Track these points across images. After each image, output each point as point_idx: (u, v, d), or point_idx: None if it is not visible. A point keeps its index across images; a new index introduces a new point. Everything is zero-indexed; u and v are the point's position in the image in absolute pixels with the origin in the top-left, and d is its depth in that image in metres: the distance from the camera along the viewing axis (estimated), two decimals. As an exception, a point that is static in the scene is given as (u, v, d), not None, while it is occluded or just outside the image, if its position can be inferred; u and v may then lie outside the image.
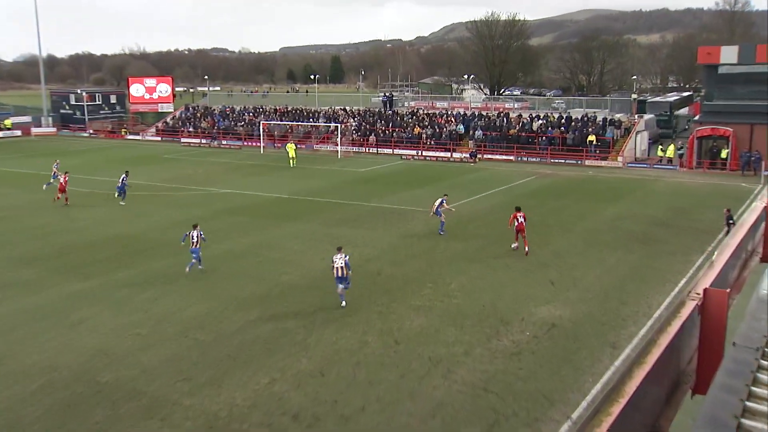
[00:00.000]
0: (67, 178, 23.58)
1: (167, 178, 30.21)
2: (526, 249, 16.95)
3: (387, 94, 51.29)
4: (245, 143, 46.25)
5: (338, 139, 41.44)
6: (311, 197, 25.83)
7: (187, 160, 33.69)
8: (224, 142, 47.04)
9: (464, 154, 39.05)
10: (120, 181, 24.58)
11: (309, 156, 40.32)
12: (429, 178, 29.00)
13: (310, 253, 17.15)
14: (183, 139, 48.79)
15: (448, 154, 39.28)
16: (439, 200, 19.64)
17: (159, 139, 50.77)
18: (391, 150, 41.75)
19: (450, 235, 19.20)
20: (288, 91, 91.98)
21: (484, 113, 43.56)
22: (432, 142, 41.02)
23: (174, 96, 58.86)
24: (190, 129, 50.18)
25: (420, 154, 40.51)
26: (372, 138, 42.67)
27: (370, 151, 42.24)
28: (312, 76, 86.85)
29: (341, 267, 13.11)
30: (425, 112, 46.26)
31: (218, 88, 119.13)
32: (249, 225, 20.49)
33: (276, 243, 18.23)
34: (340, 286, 13.09)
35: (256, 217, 21.80)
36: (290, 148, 36.10)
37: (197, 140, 47.95)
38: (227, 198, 25.53)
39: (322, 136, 44.27)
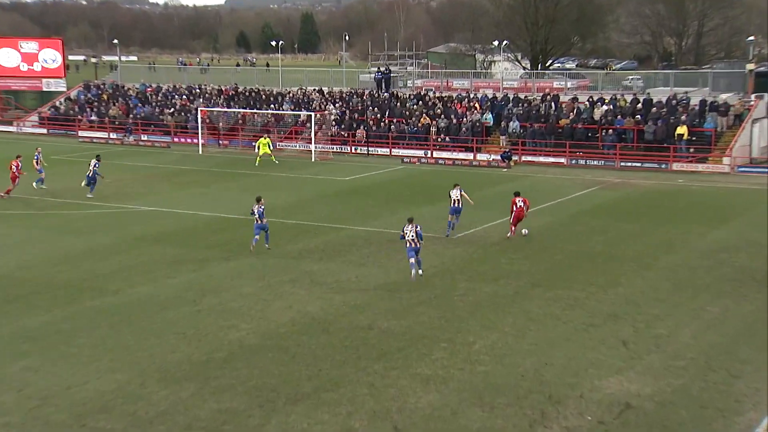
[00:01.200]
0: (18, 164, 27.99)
1: (58, 191, 30.43)
2: (510, 232, 21.56)
3: (382, 69, 52.06)
4: (175, 139, 46.80)
5: (312, 135, 41.85)
6: (272, 218, 26.13)
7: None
8: (144, 137, 47.56)
9: (493, 156, 39.67)
10: (90, 168, 28.15)
11: (267, 158, 40.82)
12: (442, 191, 29.20)
13: (268, 299, 17.32)
14: (81, 133, 49.25)
15: (470, 156, 39.85)
16: (456, 191, 22.91)
17: (44, 131, 51.20)
18: (387, 150, 42.31)
19: (473, 272, 19.43)
20: (238, 65, 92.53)
21: (522, 96, 44.36)
22: (447, 139, 41.68)
23: (67, 68, 58.45)
24: (92, 117, 50.63)
25: (430, 155, 41.11)
26: (360, 132, 43.25)
27: (358, 151, 42.82)
28: (273, 43, 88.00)
29: (413, 240, 18.53)
30: (437, 94, 47.05)
31: (134, 58, 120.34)
32: (181, 258, 20.78)
33: (220, 284, 18.44)
34: (412, 259, 18.68)
35: (192, 247, 22.10)
36: (263, 144, 37.80)
37: (103, 134, 48.46)
38: (149, 219, 25.85)
39: (287, 130, 44.82)
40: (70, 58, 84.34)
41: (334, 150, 42.44)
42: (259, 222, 21.43)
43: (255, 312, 16.50)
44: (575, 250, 21.80)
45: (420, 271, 18.99)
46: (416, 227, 18.70)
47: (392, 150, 42.03)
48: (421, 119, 42.76)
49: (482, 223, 25.31)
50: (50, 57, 55.85)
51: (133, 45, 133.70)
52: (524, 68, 65.15)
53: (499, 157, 38.95)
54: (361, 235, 23.69)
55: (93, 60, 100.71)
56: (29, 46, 55.85)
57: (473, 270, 19.78)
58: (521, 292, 17.91)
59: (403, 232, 18.89)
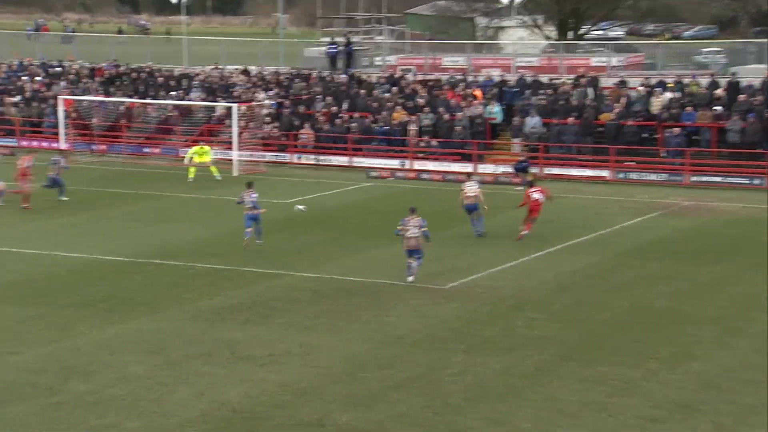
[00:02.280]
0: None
1: None
2: (522, 233, 25.03)
3: (338, 40, 52.52)
4: (24, 143, 46.59)
5: (233, 137, 42.00)
6: (172, 260, 26.14)
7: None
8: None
9: (503, 167, 39.95)
10: (54, 168, 32.42)
11: (167, 171, 40.60)
12: (429, 219, 29.47)
13: (168, 383, 17.21)
14: None
15: (469, 167, 40.14)
16: (474, 185, 26.88)
17: None
18: (346, 158, 42.49)
19: (475, 340, 19.53)
20: (121, 31, 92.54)
21: (545, 79, 44.95)
22: (434, 143, 42.04)
23: None
24: None
25: (409, 166, 41.35)
26: (306, 133, 43.44)
27: (303, 160, 42.97)
28: (175, 0, 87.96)
29: (416, 237, 23.03)
30: (419, 77, 47.46)
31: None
32: (34, 323, 20.63)
33: (93, 361, 18.29)
34: (414, 264, 23.44)
35: (51, 305, 21.99)
36: (200, 153, 38.99)
37: None
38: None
39: (196, 131, 44.87)
40: None
41: (267, 159, 42.49)
42: (252, 212, 26.43)
43: (146, 403, 16.36)
44: (626, 307, 21.97)
45: (410, 278, 23.37)
46: (422, 223, 23.07)
47: (353, 159, 42.25)
48: (396, 114, 43.09)
49: (488, 265, 25.43)
50: None
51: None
52: (548, 38, 66.06)
53: (511, 169, 39.30)
54: (308, 285, 23.76)
55: None
56: None
57: (474, 336, 19.83)
58: (546, 370, 17.96)
59: (400, 226, 22.32)
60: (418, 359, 18.51)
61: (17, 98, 48.84)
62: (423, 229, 23.50)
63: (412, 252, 23.60)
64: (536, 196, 27.61)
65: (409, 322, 20.82)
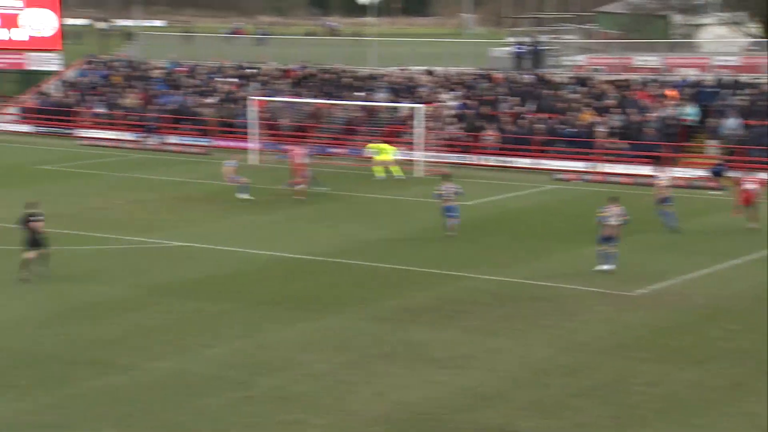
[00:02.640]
0: None
1: (47, 217, 31.93)
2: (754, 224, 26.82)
3: (525, 40, 52.15)
4: (218, 142, 48.26)
5: (418, 138, 42.41)
6: (357, 260, 26.60)
7: (91, 176, 35.53)
8: (173, 139, 49.34)
9: (698, 171, 38.73)
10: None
11: (352, 172, 41.30)
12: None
13: (352, 382, 17.50)
14: (82, 132, 51.26)
15: (661, 172, 38.98)
16: (666, 177, 29.09)
17: (28, 129, 53.68)
18: (531, 160, 42.30)
19: (665, 350, 19.00)
20: (311, 33, 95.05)
21: (745, 79, 43.44)
22: (623, 145, 41.25)
23: (64, 37, 60.09)
24: (98, 110, 52.85)
25: (595, 168, 40.67)
26: (491, 135, 43.40)
27: (487, 162, 42.95)
28: (364, 1, 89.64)
29: (615, 225, 24.50)
30: (609, 77, 46.58)
31: (161, 23, 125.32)
32: (224, 319, 21.33)
33: (280, 358, 18.77)
34: (613, 251, 24.74)
35: (239, 302, 22.69)
36: (383, 152, 39.76)
37: (113, 134, 50.51)
38: (177, 260, 26.71)
39: (381, 131, 45.58)
40: (68, 22, 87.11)
41: (450, 160, 42.65)
42: (448, 204, 28.68)
43: (331, 401, 16.65)
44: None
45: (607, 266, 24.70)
46: (623, 212, 24.80)
47: (538, 161, 41.96)
48: (583, 114, 42.44)
49: (678, 272, 24.78)
50: (40, 20, 57.81)
51: (159, 4, 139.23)
52: (750, 36, 63.57)
53: (708, 173, 38.11)
54: (491, 288, 23.73)
55: (101, 25, 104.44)
56: (10, 3, 57.74)
57: (664, 345, 19.38)
58: (744, 384, 17.37)
59: (600, 214, 24.80)
60: (604, 367, 18.19)
61: (213, 99, 50.68)
62: (625, 217, 24.91)
63: (609, 239, 24.64)
64: (748, 186, 28.44)
65: (594, 329, 20.47)
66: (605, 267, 24.60)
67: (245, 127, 46.30)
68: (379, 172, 39.34)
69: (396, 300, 22.69)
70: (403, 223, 31.35)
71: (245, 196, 34.66)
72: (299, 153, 36.30)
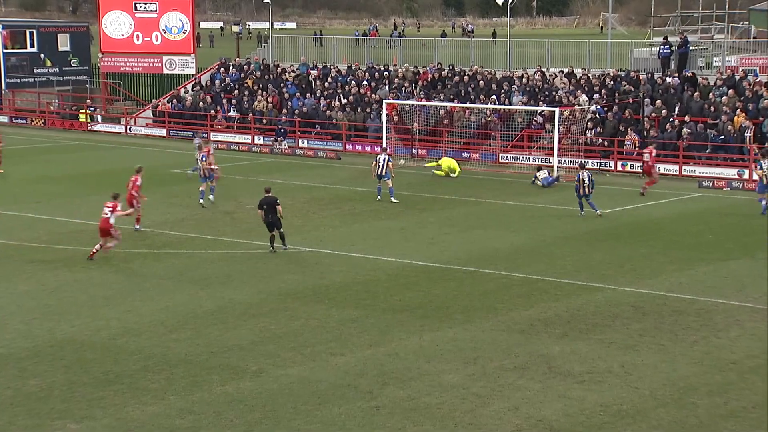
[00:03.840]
0: None
1: (178, 220, 32.86)
2: None
3: (672, 39, 50.92)
4: (349, 146, 49.03)
5: (554, 142, 42.13)
6: (487, 268, 26.62)
7: (222, 180, 36.33)
8: (304, 143, 50.25)
9: None
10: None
11: (486, 177, 41.19)
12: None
13: (482, 395, 17.52)
14: (215, 135, 52.24)
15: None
16: None
17: (162, 133, 55.57)
18: (676, 167, 41.60)
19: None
20: (445, 34, 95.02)
21: None
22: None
23: (197, 40, 63.09)
24: (230, 113, 54.29)
25: (748, 176, 39.54)
26: (631, 139, 42.70)
27: (627, 167, 42.36)
28: (500, 1, 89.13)
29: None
30: (762, 79, 45.16)
31: (293, 25, 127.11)
32: (353, 326, 21.62)
33: (409, 368, 18.92)
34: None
35: (370, 308, 22.99)
36: (447, 164, 41.73)
37: (245, 138, 51.85)
38: (308, 265, 27.21)
39: (516, 135, 45.34)
40: (202, 25, 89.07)
41: (590, 167, 42.07)
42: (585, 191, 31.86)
43: (461, 414, 16.71)
44: None
45: None
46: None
47: (683, 167, 41.25)
48: (735, 119, 41.37)
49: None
50: (175, 24, 59.71)
51: (291, 6, 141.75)
52: None
53: None
54: (630, 300, 23.44)
55: (234, 29, 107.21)
56: (146, 7, 59.99)
57: (820, 367, 18.73)
58: None
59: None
60: (756, 387, 17.75)
61: (343, 102, 51.22)
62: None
63: None
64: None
65: (744, 346, 19.97)
66: None
67: (377, 131, 46.67)
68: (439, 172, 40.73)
69: (528, 310, 22.62)
70: (537, 231, 31.15)
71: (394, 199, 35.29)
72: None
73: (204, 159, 34.32)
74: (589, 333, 20.97)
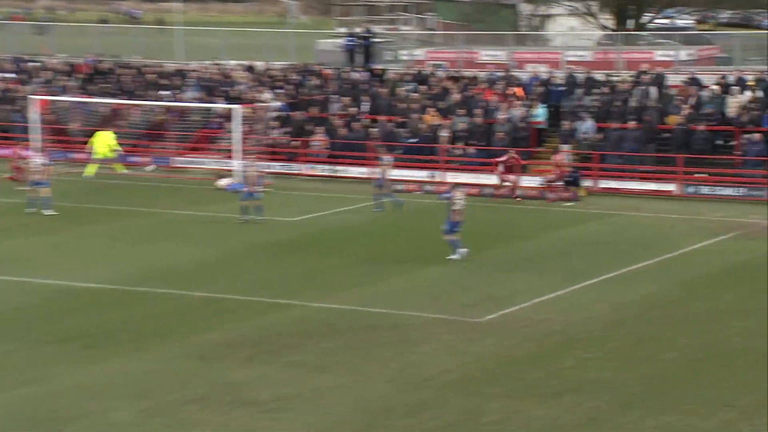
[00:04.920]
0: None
1: None
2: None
3: (358, 31, 52.49)
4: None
5: (234, 143, 42.29)
6: (163, 287, 26.32)
7: None
8: None
9: (548, 178, 39.85)
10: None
11: (159, 184, 40.67)
12: (461, 240, 29.76)
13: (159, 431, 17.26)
14: None
15: (510, 181, 40.07)
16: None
17: None
18: (367, 169, 42.47)
19: (516, 383, 19.45)
20: (105, 21, 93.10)
21: (599, 76, 45.00)
22: (469, 151, 42.13)
23: None
24: None
25: (440, 178, 41.33)
26: (319, 140, 43.61)
27: (316, 171, 43.20)
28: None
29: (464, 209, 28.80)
30: (452, 74, 47.52)
31: None
32: (6, 361, 20.73)
33: (70, 411, 18.27)
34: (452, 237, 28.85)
35: (23, 341, 22.10)
36: (101, 143, 40.63)
37: None
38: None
39: (192, 136, 45.16)
40: None
41: (274, 170, 42.57)
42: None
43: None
44: (696, 346, 21.80)
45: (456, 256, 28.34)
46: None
47: (374, 169, 42.18)
48: (425, 117, 43.12)
49: (531, 295, 25.38)
50: None
51: None
52: (604, 28, 65.96)
53: (558, 181, 39.24)
54: (322, 316, 23.77)
55: None
56: None
57: (516, 378, 19.74)
58: (601, 419, 17.81)
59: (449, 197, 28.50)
60: (451, 405, 18.36)
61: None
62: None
63: (458, 224, 28.57)
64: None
65: (439, 361, 20.69)
66: (457, 255, 28.29)
67: (25, 131, 45.02)
68: (90, 172, 39.80)
69: (210, 334, 22.42)
70: (220, 244, 31.12)
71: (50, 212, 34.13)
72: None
73: None
74: (277, 355, 21.08)
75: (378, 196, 36.54)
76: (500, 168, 38.84)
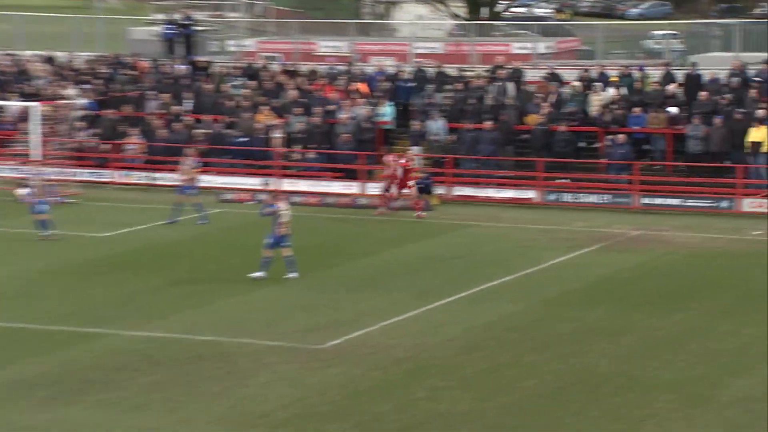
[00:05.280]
0: None
1: None
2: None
3: (177, 17, 51.95)
4: None
5: (32, 146, 41.52)
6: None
7: None
8: None
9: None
10: None
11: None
12: (298, 255, 29.77)
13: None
14: None
15: (353, 187, 40.19)
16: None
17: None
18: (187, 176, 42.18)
19: (362, 417, 19.47)
20: None
21: (451, 71, 45.58)
22: (309, 155, 42.25)
23: None
24: None
25: (274, 185, 40.81)
26: (135, 143, 43.15)
27: (131, 179, 42.76)
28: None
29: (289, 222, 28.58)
30: (288, 67, 47.45)
31: None
32: None
33: None
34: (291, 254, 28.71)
35: None
36: None
37: None
38: None
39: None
40: None
41: (81, 178, 41.91)
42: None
43: None
44: (559, 371, 22.13)
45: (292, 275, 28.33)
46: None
47: (199, 176, 42.04)
48: (257, 116, 42.99)
49: (379, 317, 25.51)
50: None
51: None
52: (456, 17, 66.73)
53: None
54: (138, 347, 23.47)
55: None
56: None
57: (362, 412, 19.75)
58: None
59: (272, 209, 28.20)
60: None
61: None
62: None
63: (285, 238, 28.50)
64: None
65: (275, 395, 20.56)
66: (257, 274, 28.43)
67: None
68: None
69: (3, 371, 21.80)
70: (15, 264, 30.46)
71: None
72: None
73: None
74: (86, 393, 20.60)
75: (178, 205, 36.26)
76: (398, 172, 38.34)
